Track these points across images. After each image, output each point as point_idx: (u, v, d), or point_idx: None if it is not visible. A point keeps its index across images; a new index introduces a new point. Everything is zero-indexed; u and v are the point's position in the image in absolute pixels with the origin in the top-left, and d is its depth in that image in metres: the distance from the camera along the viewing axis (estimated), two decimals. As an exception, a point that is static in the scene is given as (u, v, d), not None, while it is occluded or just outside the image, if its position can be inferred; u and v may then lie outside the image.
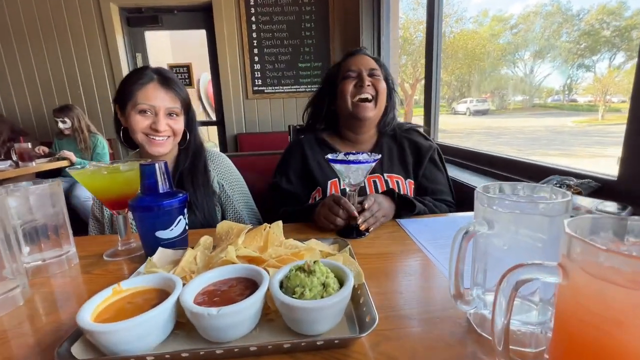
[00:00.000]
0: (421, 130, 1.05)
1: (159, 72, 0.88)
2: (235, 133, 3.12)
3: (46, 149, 2.62)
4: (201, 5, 2.94)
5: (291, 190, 0.96)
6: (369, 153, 0.71)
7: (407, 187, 0.94)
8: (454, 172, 1.23)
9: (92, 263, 0.63)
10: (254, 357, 0.35)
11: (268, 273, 0.42)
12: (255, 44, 2.98)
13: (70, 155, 2.50)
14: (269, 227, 0.53)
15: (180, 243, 0.61)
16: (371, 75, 0.93)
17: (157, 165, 0.59)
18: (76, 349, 0.35)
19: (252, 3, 2.89)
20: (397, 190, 0.86)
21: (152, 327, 0.35)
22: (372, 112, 0.94)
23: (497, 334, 0.28)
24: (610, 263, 0.21)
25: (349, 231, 0.69)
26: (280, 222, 0.54)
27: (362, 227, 0.69)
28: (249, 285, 0.40)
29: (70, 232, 0.63)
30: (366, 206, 0.70)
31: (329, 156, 0.69)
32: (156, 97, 0.85)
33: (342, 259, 0.47)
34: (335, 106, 1.00)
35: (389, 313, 0.42)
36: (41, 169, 2.35)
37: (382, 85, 0.94)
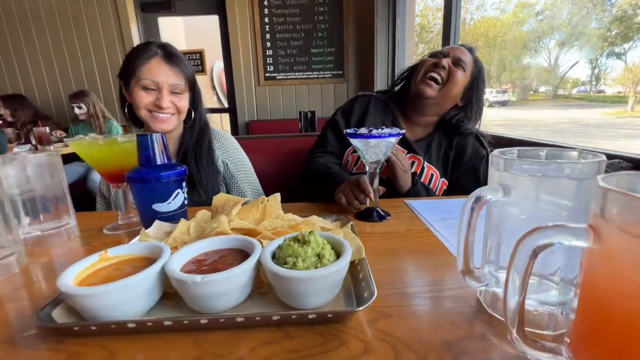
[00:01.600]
0: (482, 137, 0.96)
1: (163, 46, 0.86)
2: (247, 120, 3.11)
3: (63, 133, 2.68)
4: (213, -10, 2.91)
5: (339, 129, 0.98)
6: (392, 128, 0.64)
7: (439, 184, 0.90)
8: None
9: (91, 236, 0.62)
10: (242, 329, 0.33)
11: (262, 245, 0.39)
12: (267, 29, 2.93)
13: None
14: (267, 199, 0.50)
15: (178, 217, 0.59)
16: (455, 63, 0.90)
17: (154, 136, 0.57)
18: (57, 313, 0.33)
19: (264, -13, 2.84)
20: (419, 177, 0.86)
21: (134, 293, 0.33)
22: (433, 94, 0.90)
23: (510, 314, 0.24)
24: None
25: (369, 214, 0.65)
26: (278, 195, 0.51)
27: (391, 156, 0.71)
28: (241, 256, 0.38)
29: (71, 204, 0.63)
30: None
31: (347, 131, 0.63)
32: (160, 73, 0.83)
33: (342, 234, 0.44)
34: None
35: (391, 290, 0.39)
36: (60, 151, 2.41)
37: (459, 75, 0.89)
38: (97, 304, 0.32)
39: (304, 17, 2.90)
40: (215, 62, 4.46)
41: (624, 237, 0.18)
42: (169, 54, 0.85)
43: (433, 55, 0.94)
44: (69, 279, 0.33)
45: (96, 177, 2.43)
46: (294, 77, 3.02)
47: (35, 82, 3.05)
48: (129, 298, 0.33)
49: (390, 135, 0.60)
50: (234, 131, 3.24)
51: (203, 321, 0.32)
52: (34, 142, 2.40)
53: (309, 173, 0.93)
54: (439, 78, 0.89)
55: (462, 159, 0.92)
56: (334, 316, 0.32)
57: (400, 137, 0.62)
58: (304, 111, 2.42)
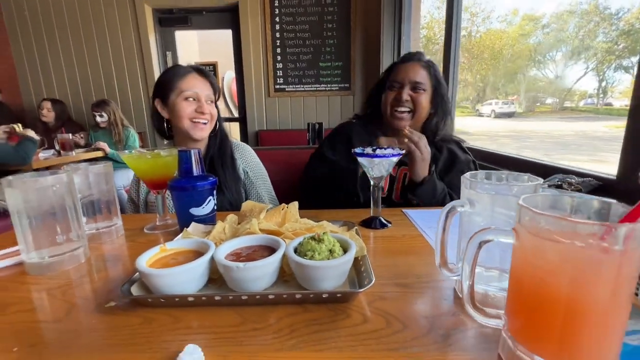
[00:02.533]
0: (462, 143, 1.09)
1: (192, 66, 1.00)
2: (256, 129, 3.24)
3: (82, 135, 2.83)
4: (228, 6, 3.08)
5: (334, 159, 1.05)
6: (394, 147, 0.75)
7: None
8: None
9: (134, 234, 0.74)
10: (272, 305, 0.43)
11: (285, 242, 0.50)
12: (278, 44, 3.08)
13: (104, 146, 2.70)
14: (287, 207, 0.61)
15: (209, 220, 0.70)
16: (414, 88, 0.99)
17: (192, 151, 0.68)
18: (134, 289, 0.44)
19: (276, 4, 3.00)
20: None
21: (192, 275, 0.44)
22: (407, 123, 1.01)
23: (465, 292, 0.35)
24: (545, 224, 0.27)
25: (373, 222, 0.74)
26: (296, 203, 0.62)
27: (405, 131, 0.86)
28: (269, 251, 0.48)
29: (118, 207, 0.74)
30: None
31: (355, 150, 0.73)
32: (197, 85, 0.96)
33: (348, 235, 0.55)
34: None
35: (386, 281, 0.49)
36: (79, 158, 2.55)
37: (423, 99, 1.00)
38: (165, 282, 0.42)
39: (313, 32, 3.05)
40: (226, 72, 4.64)
41: (530, 236, 0.29)
42: (201, 70, 1.00)
43: (391, 87, 1.02)
44: (143, 263, 0.44)
45: (115, 182, 2.56)
46: (303, 89, 3.16)
47: (58, 90, 3.22)
48: (188, 279, 0.44)
49: (392, 155, 0.70)
50: (244, 139, 3.37)
51: (244, 297, 0.42)
52: (57, 147, 2.55)
53: (310, 181, 1.05)
54: (406, 110, 1.00)
55: (454, 163, 1.03)
56: (342, 296, 0.43)
57: (400, 156, 0.73)
58: (311, 123, 2.54)
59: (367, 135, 1.08)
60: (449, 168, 1.02)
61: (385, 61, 2.77)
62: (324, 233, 0.47)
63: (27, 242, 0.54)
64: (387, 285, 0.48)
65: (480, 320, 0.34)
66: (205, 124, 0.98)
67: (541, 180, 0.39)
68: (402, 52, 2.65)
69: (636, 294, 0.39)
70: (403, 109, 1.00)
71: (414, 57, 1.04)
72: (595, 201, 0.30)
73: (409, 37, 2.64)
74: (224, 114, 4.61)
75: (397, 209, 0.85)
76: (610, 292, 0.25)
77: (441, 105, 1.05)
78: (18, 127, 2.14)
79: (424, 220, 0.76)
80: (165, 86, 0.96)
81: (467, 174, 0.43)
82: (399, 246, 0.63)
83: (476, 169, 1.04)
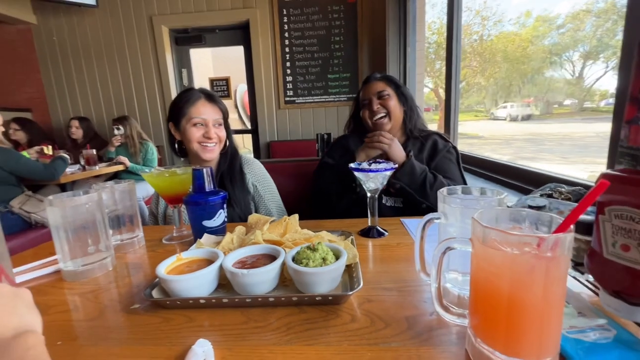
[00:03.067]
0: (442, 134, 1.23)
1: (202, 91, 1.08)
2: (268, 141, 3.35)
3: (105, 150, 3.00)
4: (240, 24, 3.23)
5: (334, 164, 1.20)
6: (388, 162, 0.81)
7: None
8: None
9: (154, 244, 0.82)
10: (272, 307, 0.49)
11: (285, 251, 0.56)
12: (287, 58, 3.20)
13: (125, 160, 2.85)
14: (288, 219, 0.68)
15: (220, 231, 0.77)
16: (380, 97, 1.17)
17: (205, 170, 0.76)
18: (154, 293, 0.52)
19: (285, 20, 3.12)
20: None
21: (204, 280, 0.51)
22: (389, 125, 1.16)
23: (434, 293, 0.40)
24: (490, 235, 0.32)
25: (370, 231, 0.80)
26: (296, 215, 0.69)
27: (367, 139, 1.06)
28: (271, 259, 0.55)
29: (140, 220, 0.83)
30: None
31: (351, 165, 0.80)
32: (205, 111, 1.05)
33: (343, 245, 0.61)
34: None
35: (375, 285, 0.54)
36: (102, 172, 2.71)
37: (391, 103, 1.16)
38: (181, 287, 0.49)
39: (321, 46, 3.16)
40: (238, 85, 4.81)
41: (480, 245, 0.34)
42: (209, 96, 1.08)
43: (363, 105, 1.20)
44: (162, 270, 0.52)
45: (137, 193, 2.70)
46: (312, 100, 3.25)
47: (83, 109, 3.44)
48: (200, 284, 0.50)
49: (385, 169, 0.76)
50: (256, 151, 3.48)
51: (248, 300, 0.49)
52: (82, 162, 2.72)
53: (319, 188, 1.21)
54: (382, 114, 1.16)
55: (437, 151, 1.15)
56: (333, 299, 0.48)
57: (394, 170, 0.78)
58: (320, 133, 2.62)
59: (361, 144, 1.20)
60: (433, 156, 1.15)
61: (392, 70, 2.83)
62: (318, 243, 0.53)
63: (64, 253, 0.63)
64: (376, 289, 0.54)
65: (448, 319, 0.39)
66: (213, 145, 1.06)
67: (505, 194, 0.44)
68: (408, 65, 2.72)
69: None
70: (379, 115, 1.16)
71: (371, 78, 1.22)
72: (542, 215, 0.35)
73: (414, 48, 2.70)
74: (237, 126, 4.76)
75: (395, 218, 0.90)
76: (543, 291, 0.30)
77: (408, 101, 1.19)
78: (47, 149, 2.31)
79: (433, 232, 0.80)
80: (178, 112, 1.05)
81: (444, 190, 0.49)
82: (392, 254, 0.68)
83: (456, 153, 1.17)
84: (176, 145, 1.10)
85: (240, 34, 3.30)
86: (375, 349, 0.40)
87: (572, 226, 0.31)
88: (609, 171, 0.40)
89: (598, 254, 0.41)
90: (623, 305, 0.38)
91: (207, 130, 1.04)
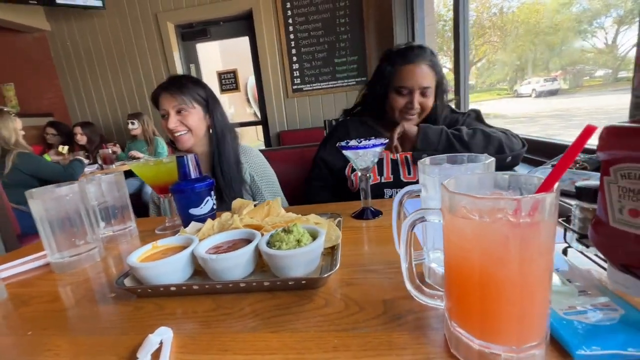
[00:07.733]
0: (451, 107, 1.13)
1: (169, 79, 1.06)
2: (277, 131, 3.33)
3: (117, 149, 3.08)
4: (243, 14, 3.18)
5: (329, 161, 1.10)
6: (377, 138, 0.75)
7: None
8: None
9: (147, 235, 0.81)
10: (244, 293, 0.47)
11: (262, 235, 0.53)
12: (293, 45, 3.13)
13: (138, 154, 2.93)
14: (271, 202, 0.64)
15: (209, 219, 0.75)
16: (422, 94, 1.01)
17: (188, 157, 0.74)
18: (127, 282, 0.50)
19: (288, 6, 3.04)
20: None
21: (174, 267, 0.48)
22: (416, 121, 1.05)
23: (405, 273, 0.36)
24: (460, 202, 0.28)
25: (364, 212, 0.75)
26: (279, 199, 0.65)
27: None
28: (247, 244, 0.52)
29: (132, 212, 0.82)
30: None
31: (340, 144, 0.75)
32: (165, 103, 1.03)
33: (326, 226, 0.57)
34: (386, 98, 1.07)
35: (356, 268, 0.50)
36: (120, 169, 2.80)
37: (430, 101, 1.03)
38: (150, 274, 0.48)
39: (327, 30, 3.06)
40: (248, 78, 4.79)
41: (449, 215, 0.29)
42: (169, 85, 1.03)
43: (399, 91, 1.01)
44: (134, 259, 0.50)
45: (148, 189, 2.77)
46: (320, 87, 3.18)
47: (99, 109, 3.54)
48: (171, 271, 0.48)
49: (374, 145, 0.71)
50: (267, 141, 3.47)
51: (218, 286, 0.46)
52: (99, 161, 2.82)
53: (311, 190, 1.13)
54: (415, 114, 1.03)
55: (456, 123, 1.05)
56: (306, 282, 0.45)
57: (384, 146, 0.73)
58: (327, 120, 2.56)
59: (364, 130, 1.10)
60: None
61: (401, 50, 2.71)
62: (294, 225, 0.49)
63: (51, 244, 0.63)
64: (358, 271, 0.50)
65: (423, 301, 0.35)
66: (182, 135, 1.03)
67: (492, 159, 0.38)
68: (417, 40, 2.58)
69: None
70: (412, 112, 1.03)
71: (419, 56, 1.01)
72: (528, 177, 0.30)
73: (423, 24, 2.56)
74: (250, 118, 4.77)
75: (389, 199, 0.85)
76: (521, 265, 0.25)
77: (441, 97, 1.06)
78: (63, 149, 2.40)
79: (415, 208, 0.75)
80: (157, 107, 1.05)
81: (426, 159, 0.44)
82: (383, 235, 0.64)
83: (475, 113, 1.08)
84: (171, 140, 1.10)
85: (244, 25, 3.26)
86: (342, 335, 0.36)
87: (556, 185, 0.25)
88: (613, 124, 0.34)
89: (603, 222, 0.35)
90: (632, 281, 0.32)
91: (169, 120, 1.02)
